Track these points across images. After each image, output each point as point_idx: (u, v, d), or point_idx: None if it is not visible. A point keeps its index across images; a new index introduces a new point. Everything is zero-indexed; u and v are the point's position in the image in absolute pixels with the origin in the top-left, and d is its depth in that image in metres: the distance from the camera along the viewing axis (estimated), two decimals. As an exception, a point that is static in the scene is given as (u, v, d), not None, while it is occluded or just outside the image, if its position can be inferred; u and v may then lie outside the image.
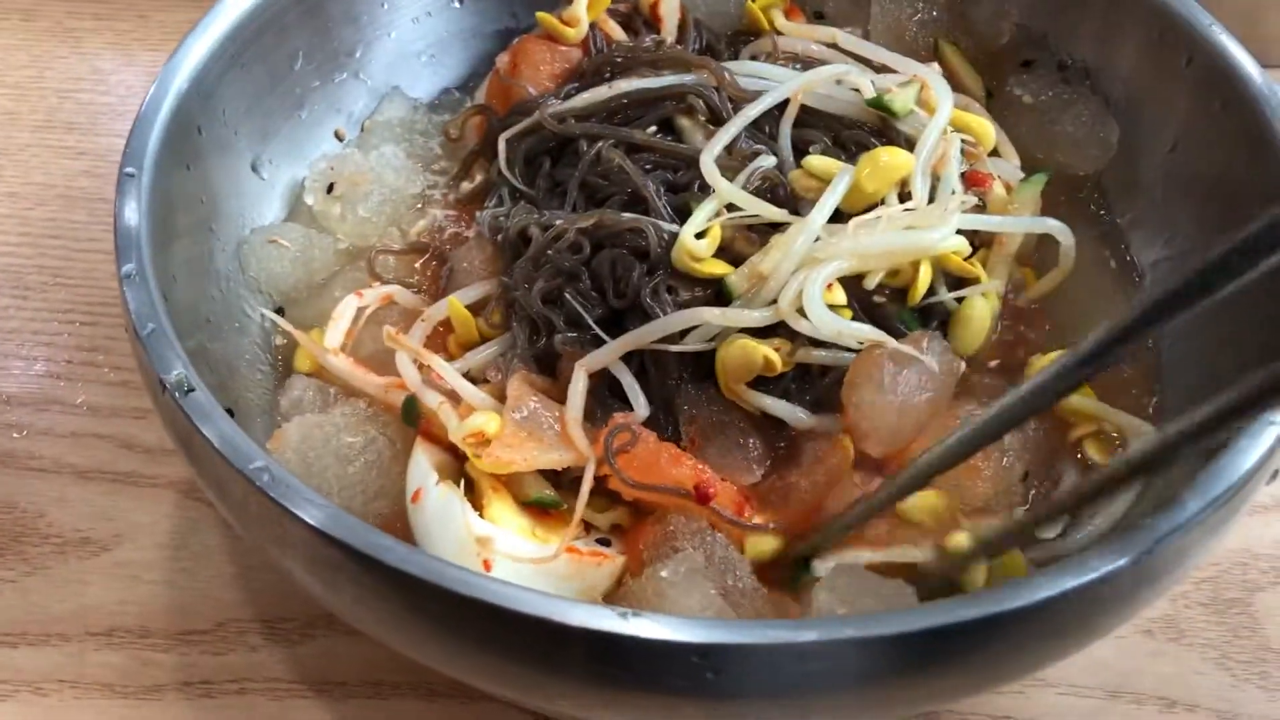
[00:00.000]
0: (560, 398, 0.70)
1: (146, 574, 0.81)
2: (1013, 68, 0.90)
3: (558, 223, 0.75)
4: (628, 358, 0.71)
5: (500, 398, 0.70)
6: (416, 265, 0.83)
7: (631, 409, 0.70)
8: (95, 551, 0.82)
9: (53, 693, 0.75)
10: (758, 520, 0.67)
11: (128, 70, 1.18)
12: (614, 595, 0.67)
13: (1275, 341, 0.68)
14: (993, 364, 0.77)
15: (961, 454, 0.61)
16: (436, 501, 0.65)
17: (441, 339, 0.77)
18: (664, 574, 0.62)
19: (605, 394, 0.72)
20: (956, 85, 0.86)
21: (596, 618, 0.52)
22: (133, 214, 0.67)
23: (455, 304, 0.75)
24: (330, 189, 0.86)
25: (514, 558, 0.63)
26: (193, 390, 0.59)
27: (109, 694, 0.75)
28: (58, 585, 0.80)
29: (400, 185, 0.86)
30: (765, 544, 0.67)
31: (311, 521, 0.54)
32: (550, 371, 0.73)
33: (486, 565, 0.63)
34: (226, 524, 0.82)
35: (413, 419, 0.70)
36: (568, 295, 0.73)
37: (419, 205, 0.86)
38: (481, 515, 0.65)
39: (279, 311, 0.81)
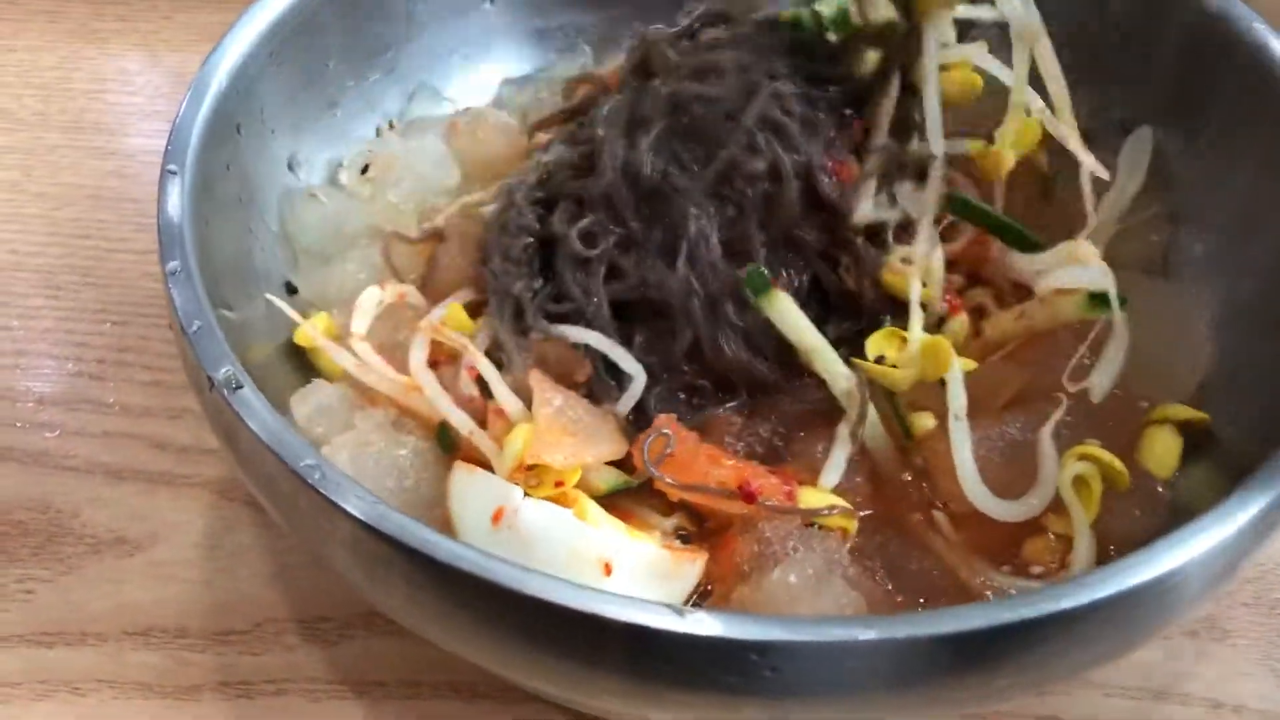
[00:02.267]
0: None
1: (183, 573, 0.80)
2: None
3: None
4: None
5: (522, 397, 0.69)
6: (423, 258, 0.82)
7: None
8: (130, 551, 0.82)
9: (91, 693, 0.75)
10: (816, 504, 0.67)
11: (153, 71, 1.18)
12: (718, 605, 0.65)
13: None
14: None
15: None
16: (536, 518, 0.62)
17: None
18: (793, 579, 0.61)
19: (603, 369, 0.72)
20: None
21: (649, 614, 0.51)
22: (176, 211, 0.67)
23: (456, 309, 0.74)
24: (365, 170, 0.86)
25: (630, 558, 0.62)
26: (241, 387, 0.59)
27: (147, 694, 0.75)
28: (94, 585, 0.80)
29: (434, 176, 0.86)
30: (846, 522, 0.67)
31: (364, 518, 0.54)
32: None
33: (608, 570, 0.62)
34: (262, 523, 0.82)
35: (450, 446, 0.69)
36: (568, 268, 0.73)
37: (450, 198, 0.86)
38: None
39: (289, 289, 0.81)
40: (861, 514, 0.69)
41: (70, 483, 0.85)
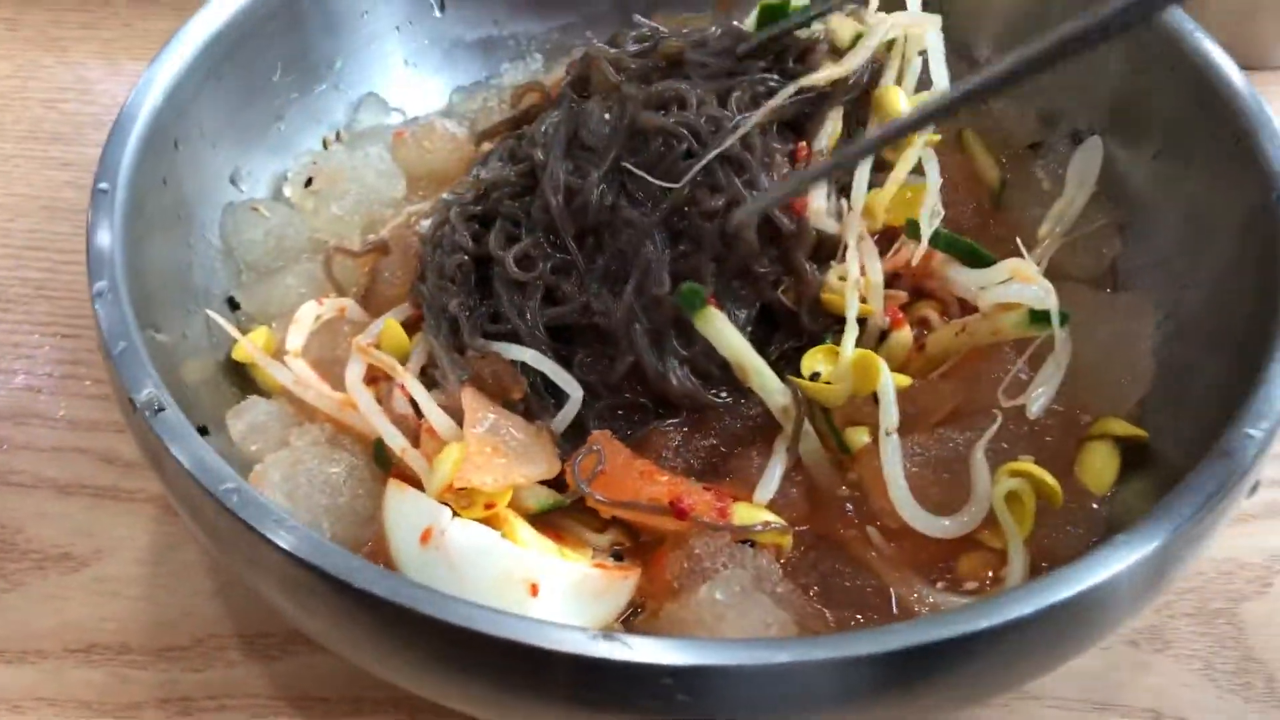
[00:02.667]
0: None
1: (126, 589, 0.80)
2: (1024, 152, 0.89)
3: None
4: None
5: (455, 417, 0.69)
6: (365, 270, 0.82)
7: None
8: (75, 567, 0.81)
9: (30, 711, 0.74)
10: (750, 521, 0.67)
11: (113, 80, 1.17)
12: (647, 623, 0.66)
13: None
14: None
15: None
16: (465, 538, 0.63)
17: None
18: (719, 595, 0.61)
19: (540, 386, 0.73)
20: (975, 173, 0.86)
21: (571, 641, 0.51)
22: (105, 230, 0.67)
23: (392, 325, 0.74)
24: (308, 183, 0.86)
25: (557, 579, 0.62)
26: (163, 410, 0.59)
27: (87, 712, 0.75)
28: (37, 602, 0.80)
29: (379, 188, 0.86)
30: (780, 539, 0.67)
31: (281, 544, 0.54)
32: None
33: (534, 591, 0.62)
34: (205, 539, 0.82)
35: (385, 463, 0.69)
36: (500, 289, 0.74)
37: (395, 210, 0.86)
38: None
39: (231, 305, 0.81)
40: (797, 529, 0.69)
41: (16, 498, 0.85)
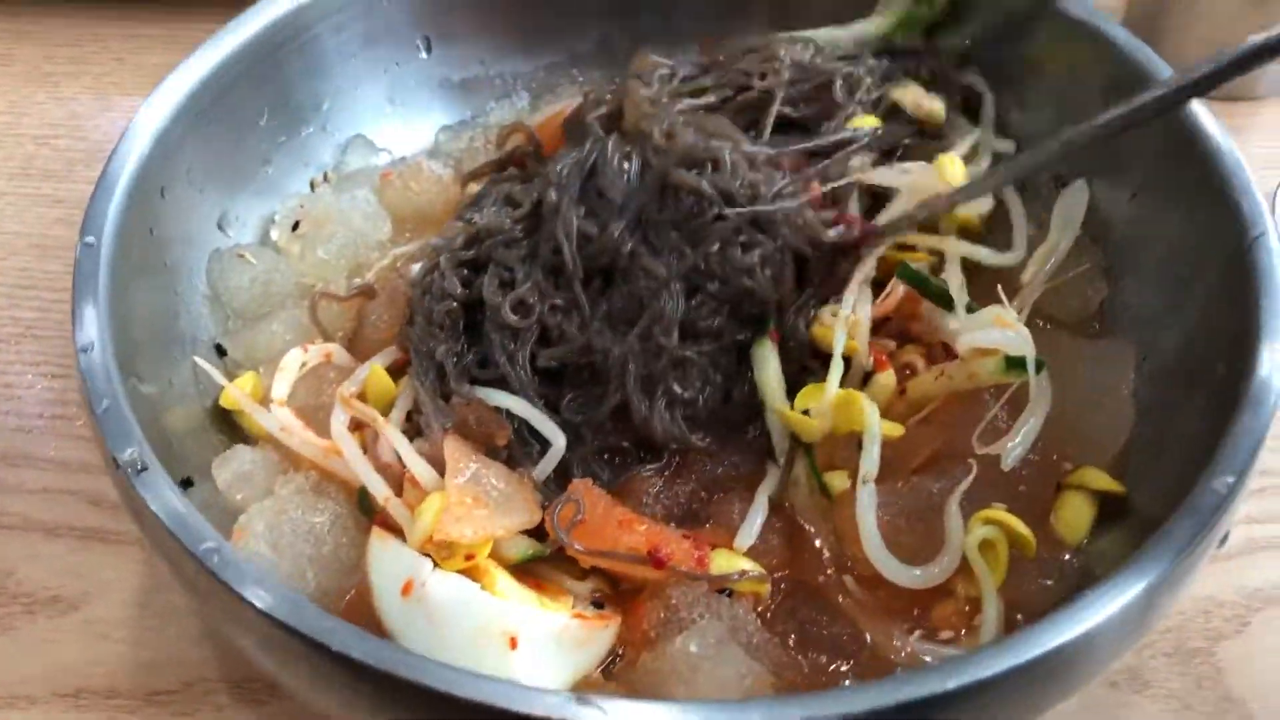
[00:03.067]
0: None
1: (115, 632, 0.81)
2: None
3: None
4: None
5: (438, 466, 0.70)
6: (351, 315, 0.82)
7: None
8: (64, 610, 0.82)
9: (19, 756, 0.75)
10: (727, 570, 0.67)
11: (104, 116, 1.18)
12: (625, 673, 0.66)
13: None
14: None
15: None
16: (444, 591, 0.63)
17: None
18: (693, 648, 0.62)
19: (525, 432, 0.73)
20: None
21: (547, 705, 0.52)
22: (90, 285, 0.68)
23: (378, 371, 0.75)
24: (295, 226, 0.87)
25: (537, 631, 0.63)
26: (146, 469, 0.59)
27: (75, 757, 0.75)
28: (27, 645, 0.80)
29: (366, 230, 0.87)
30: (758, 587, 0.68)
31: (259, 604, 0.54)
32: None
33: (513, 643, 0.62)
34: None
35: (370, 511, 0.70)
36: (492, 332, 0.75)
37: (381, 252, 0.87)
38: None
39: (219, 351, 0.82)
40: (775, 575, 0.69)
41: (6, 541, 0.85)
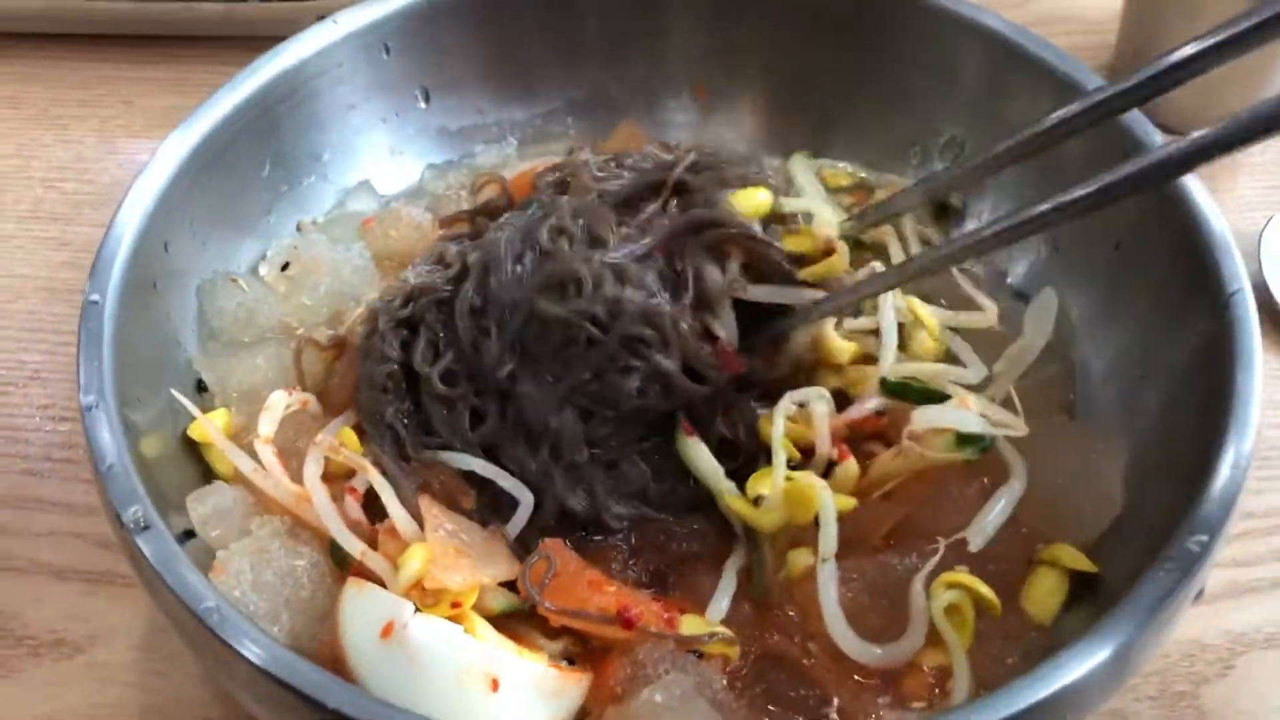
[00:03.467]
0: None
1: (120, 676, 0.83)
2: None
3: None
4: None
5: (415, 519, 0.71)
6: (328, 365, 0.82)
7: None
8: (69, 653, 0.84)
9: (24, 802, 0.77)
10: (697, 631, 0.69)
11: (111, 158, 1.20)
12: None
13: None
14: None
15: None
16: (425, 633, 0.64)
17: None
18: (659, 698, 0.63)
19: (492, 491, 0.74)
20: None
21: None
22: (95, 344, 0.70)
23: (348, 433, 0.76)
24: (285, 266, 0.88)
25: (518, 675, 0.64)
26: (148, 527, 0.61)
27: (80, 802, 0.77)
28: (32, 689, 0.82)
29: (354, 284, 0.87)
30: (727, 649, 0.69)
31: (259, 662, 0.56)
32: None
33: (495, 685, 0.64)
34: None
35: (342, 562, 0.71)
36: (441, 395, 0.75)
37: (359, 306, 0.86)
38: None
39: (199, 388, 0.83)
40: (744, 636, 0.70)
41: (12, 584, 0.87)
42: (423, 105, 0.99)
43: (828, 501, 0.69)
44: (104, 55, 1.29)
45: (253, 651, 0.56)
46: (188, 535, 0.68)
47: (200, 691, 0.82)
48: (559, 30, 0.98)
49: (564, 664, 0.69)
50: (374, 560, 0.69)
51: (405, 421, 0.76)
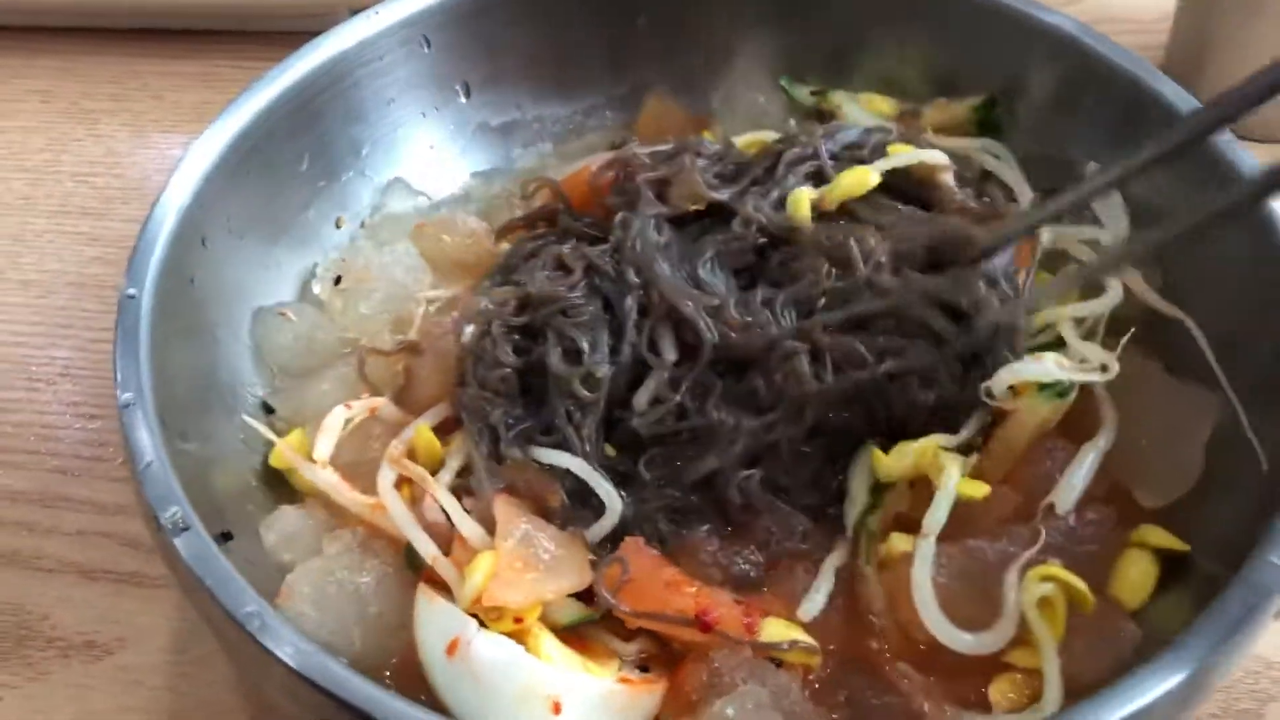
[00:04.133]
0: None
1: (149, 679, 0.81)
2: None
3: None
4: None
5: (488, 524, 0.69)
6: (399, 369, 0.81)
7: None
8: (99, 655, 0.82)
9: (51, 806, 0.75)
10: (778, 638, 0.66)
11: (142, 153, 1.19)
12: None
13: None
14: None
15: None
16: (489, 651, 0.63)
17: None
18: (730, 712, 0.61)
19: (581, 493, 0.72)
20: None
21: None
22: (132, 339, 0.68)
23: (424, 431, 0.74)
24: (337, 281, 0.87)
25: (581, 695, 0.62)
26: (187, 529, 0.59)
27: (109, 807, 0.75)
28: (60, 690, 0.80)
29: (408, 284, 0.86)
30: (808, 658, 0.67)
31: (299, 668, 0.54)
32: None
33: (557, 708, 0.62)
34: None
35: (417, 566, 0.70)
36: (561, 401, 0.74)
37: (423, 306, 0.86)
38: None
39: (266, 409, 0.82)
40: (830, 647, 0.68)
41: (41, 584, 0.86)
42: (463, 100, 0.97)
43: (951, 476, 0.67)
44: (135, 50, 1.28)
45: (294, 658, 0.54)
46: (225, 537, 0.66)
47: (230, 696, 0.80)
48: (607, 25, 0.96)
49: (636, 674, 0.67)
50: (445, 567, 0.67)
51: (508, 423, 0.74)
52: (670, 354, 0.74)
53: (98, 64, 1.27)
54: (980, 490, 0.69)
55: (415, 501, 0.72)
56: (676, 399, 0.73)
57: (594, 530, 0.70)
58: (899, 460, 0.71)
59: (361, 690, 0.53)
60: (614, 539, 0.71)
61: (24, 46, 1.28)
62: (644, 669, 0.68)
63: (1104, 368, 0.73)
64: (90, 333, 1.02)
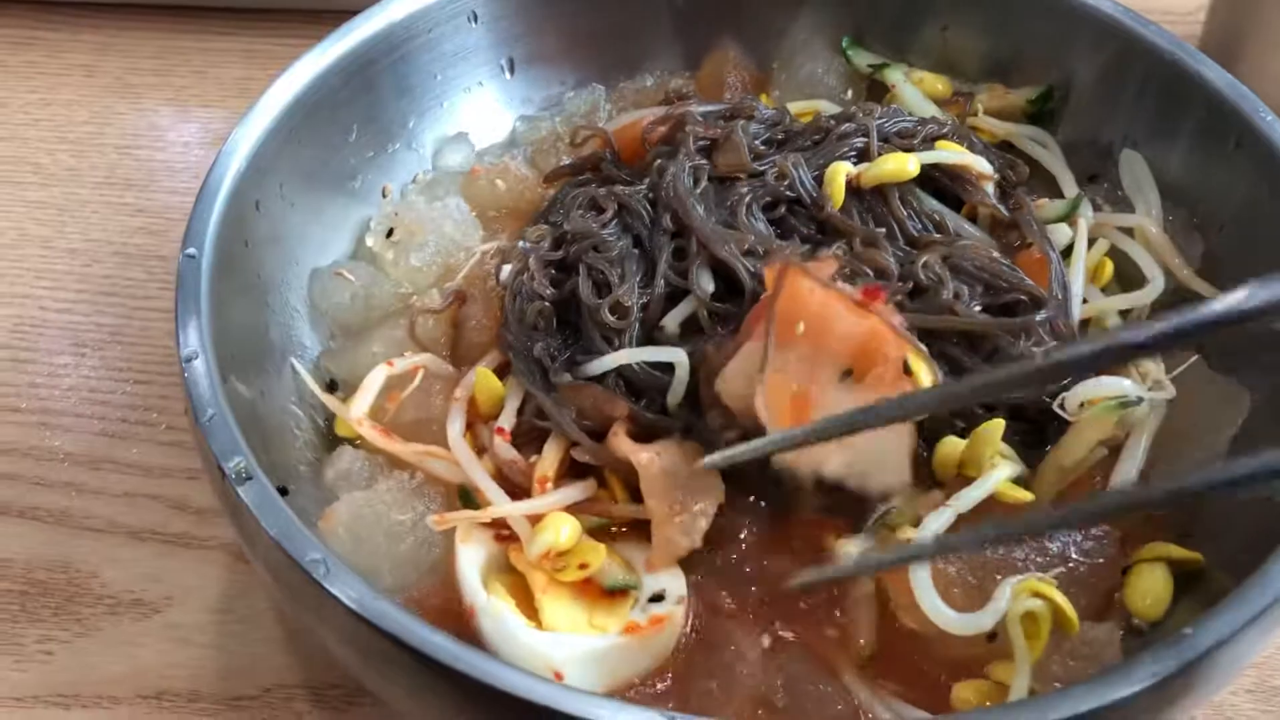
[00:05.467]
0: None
1: (197, 637, 0.82)
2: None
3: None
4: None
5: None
6: (449, 324, 0.83)
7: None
8: (147, 614, 0.83)
9: (103, 757, 0.77)
10: None
11: (184, 126, 1.21)
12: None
13: None
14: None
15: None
16: (492, 618, 0.65)
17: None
18: None
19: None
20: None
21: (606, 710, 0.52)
22: (192, 296, 0.69)
23: (484, 374, 0.76)
24: (390, 234, 0.88)
25: (581, 660, 0.64)
26: (251, 478, 0.61)
27: (158, 759, 0.76)
28: (110, 647, 0.82)
29: (458, 238, 0.88)
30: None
31: (360, 611, 0.55)
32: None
33: (558, 676, 0.63)
34: (275, 589, 0.84)
35: (472, 504, 0.71)
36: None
37: (475, 257, 0.87)
38: (538, 613, 0.66)
39: (329, 383, 0.83)
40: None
41: (90, 543, 0.87)
42: (508, 76, 0.98)
43: (1002, 468, 0.69)
44: (177, 26, 1.30)
45: (360, 605, 0.55)
46: (282, 492, 0.67)
47: (277, 655, 0.81)
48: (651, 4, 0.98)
49: (649, 612, 0.68)
50: (518, 524, 0.69)
51: (553, 354, 0.76)
52: (708, 284, 0.75)
53: (141, 39, 1.28)
54: (1023, 495, 0.70)
55: (485, 447, 0.75)
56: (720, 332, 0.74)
57: (672, 392, 0.73)
58: (954, 447, 0.71)
59: (421, 634, 0.54)
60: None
61: (68, 22, 1.30)
62: (658, 599, 0.69)
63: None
64: (135, 300, 1.04)
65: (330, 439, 0.79)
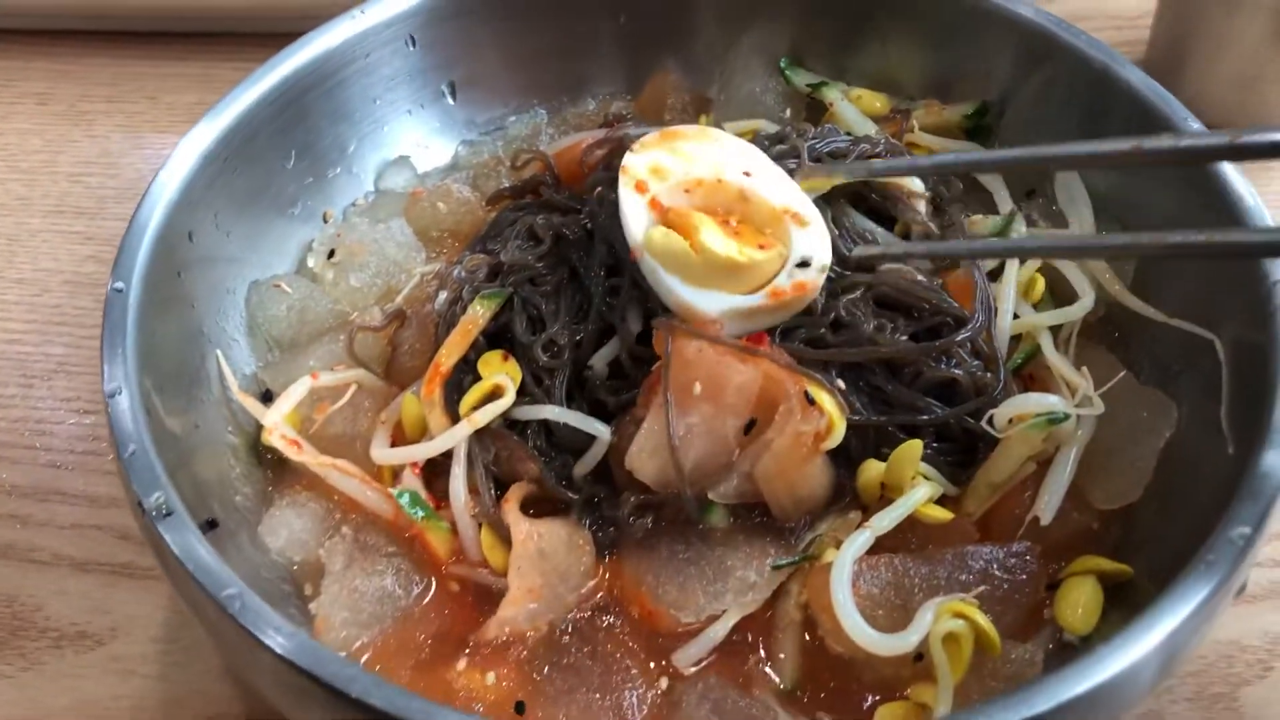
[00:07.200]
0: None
1: (140, 668, 0.82)
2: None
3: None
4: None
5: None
6: (386, 343, 0.84)
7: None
8: (91, 645, 0.83)
9: (44, 793, 0.76)
10: None
11: (137, 153, 1.21)
12: None
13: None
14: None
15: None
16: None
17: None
18: None
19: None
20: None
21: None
22: (119, 330, 0.69)
23: (411, 400, 0.76)
24: (331, 255, 0.89)
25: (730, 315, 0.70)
26: (171, 514, 0.61)
27: (100, 793, 0.76)
28: (54, 680, 0.82)
29: (399, 259, 0.88)
30: None
31: (279, 650, 0.55)
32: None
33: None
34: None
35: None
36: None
37: (413, 279, 0.88)
38: None
39: (264, 394, 0.83)
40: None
41: (36, 576, 0.87)
42: (450, 100, 0.98)
43: (920, 490, 0.69)
44: (131, 52, 1.30)
45: (275, 640, 0.56)
46: (210, 525, 0.67)
47: (220, 685, 0.81)
48: (591, 22, 0.98)
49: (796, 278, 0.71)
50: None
51: None
52: (635, 325, 0.75)
53: (95, 66, 1.29)
54: (941, 515, 0.70)
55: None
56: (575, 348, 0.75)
57: (583, 461, 0.73)
58: (876, 470, 0.72)
59: (338, 669, 0.54)
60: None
61: (21, 50, 1.30)
62: (804, 265, 0.73)
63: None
64: (84, 330, 1.04)
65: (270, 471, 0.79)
